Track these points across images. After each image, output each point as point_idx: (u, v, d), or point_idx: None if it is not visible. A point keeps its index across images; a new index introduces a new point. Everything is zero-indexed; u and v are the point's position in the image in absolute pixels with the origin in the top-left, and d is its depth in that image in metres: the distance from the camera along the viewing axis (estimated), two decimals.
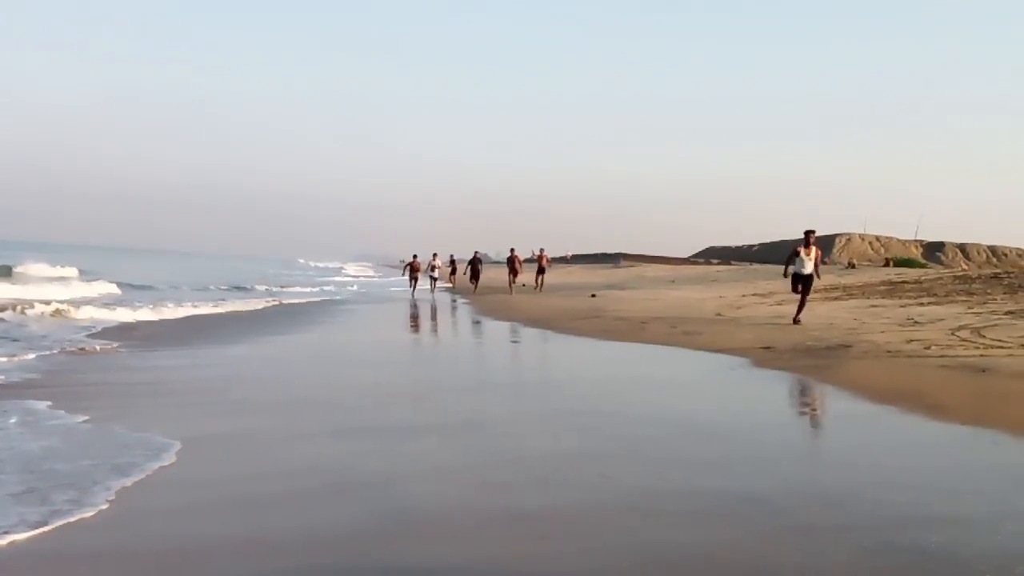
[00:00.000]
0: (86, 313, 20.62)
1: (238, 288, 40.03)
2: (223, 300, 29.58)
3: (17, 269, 42.59)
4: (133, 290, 33.84)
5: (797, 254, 19.06)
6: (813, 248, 18.97)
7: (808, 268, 18.91)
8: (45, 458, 6.62)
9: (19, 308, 20.03)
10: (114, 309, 22.05)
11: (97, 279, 35.45)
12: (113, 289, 32.46)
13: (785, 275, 20.00)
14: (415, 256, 38.87)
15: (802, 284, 18.99)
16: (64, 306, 21.06)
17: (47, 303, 21.28)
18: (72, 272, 45.64)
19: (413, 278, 38.27)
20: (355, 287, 49.58)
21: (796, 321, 18.20)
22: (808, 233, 18.98)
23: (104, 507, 5.50)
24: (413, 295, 36.27)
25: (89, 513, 5.36)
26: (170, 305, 24.64)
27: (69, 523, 5.18)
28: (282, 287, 43.32)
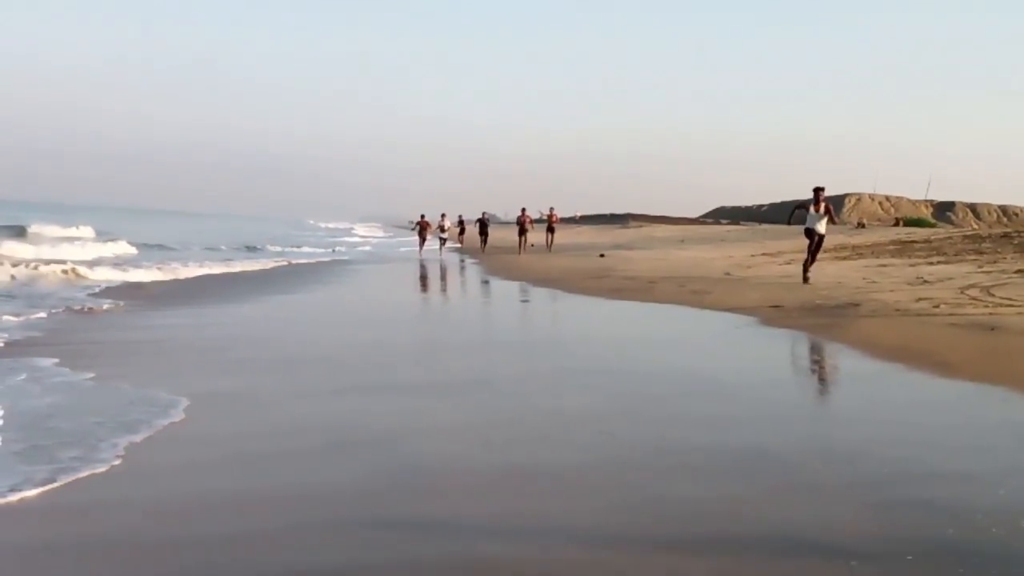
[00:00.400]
0: (101, 274, 20.65)
1: (249, 248, 40.24)
2: (234, 260, 29.78)
3: (32, 229, 42.60)
4: (149, 250, 33.99)
5: (804, 208, 18.73)
6: (823, 204, 18.47)
7: (821, 225, 18.42)
8: (51, 416, 6.64)
9: (32, 265, 20.08)
10: (126, 270, 22.10)
11: (115, 239, 35.46)
12: (130, 250, 32.55)
13: (789, 223, 21.08)
14: (423, 216, 38.76)
15: (814, 239, 18.45)
16: (79, 266, 21.09)
17: (62, 263, 21.33)
18: (88, 232, 45.68)
19: (422, 238, 38.13)
20: (368, 247, 49.65)
21: (806, 280, 17.71)
22: (817, 190, 18.54)
23: (116, 463, 5.51)
24: (421, 255, 36.15)
25: (100, 469, 5.38)
26: (178, 265, 24.74)
27: (79, 479, 5.20)
28: (294, 247, 43.51)
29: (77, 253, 27.68)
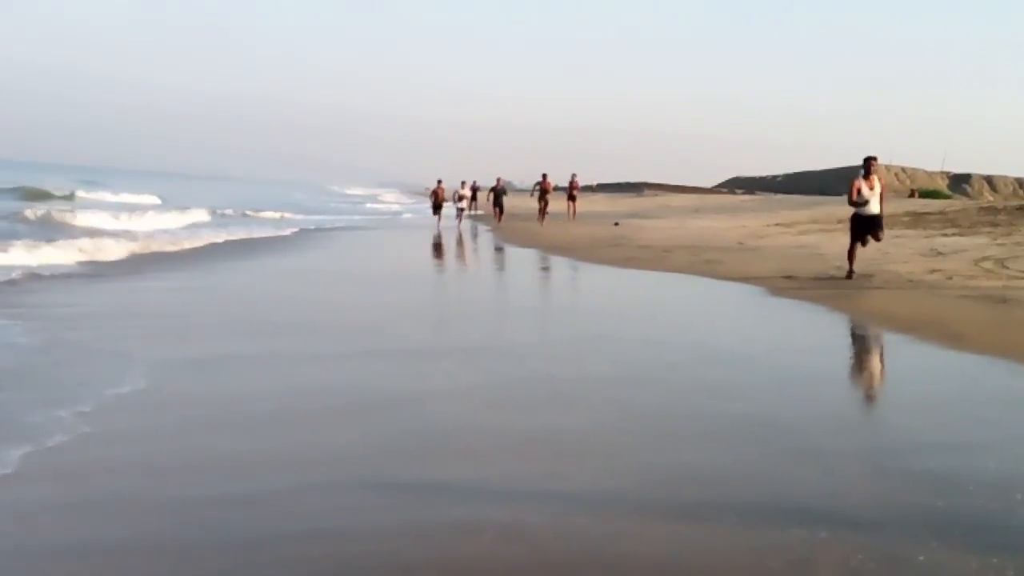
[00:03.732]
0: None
1: (284, 215, 39.61)
2: (283, 222, 32.45)
3: (80, 194, 42.34)
4: (224, 217, 34.10)
5: (857, 189, 14.03)
6: (876, 179, 14.14)
7: (875, 207, 14.04)
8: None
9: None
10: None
11: (192, 207, 34.63)
12: (204, 217, 32.58)
13: (851, 203, 14.35)
14: (439, 182, 35.00)
15: (871, 228, 14.04)
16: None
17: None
18: (153, 199, 45.17)
19: (437, 207, 34.50)
20: (408, 214, 49.09)
21: (850, 275, 13.88)
22: (870, 161, 14.12)
23: (85, 430, 5.48)
24: (438, 226, 32.49)
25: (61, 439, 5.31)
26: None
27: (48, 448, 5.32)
28: (340, 215, 43.71)
29: (160, 222, 27.74)
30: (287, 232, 28.27)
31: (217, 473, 4.94)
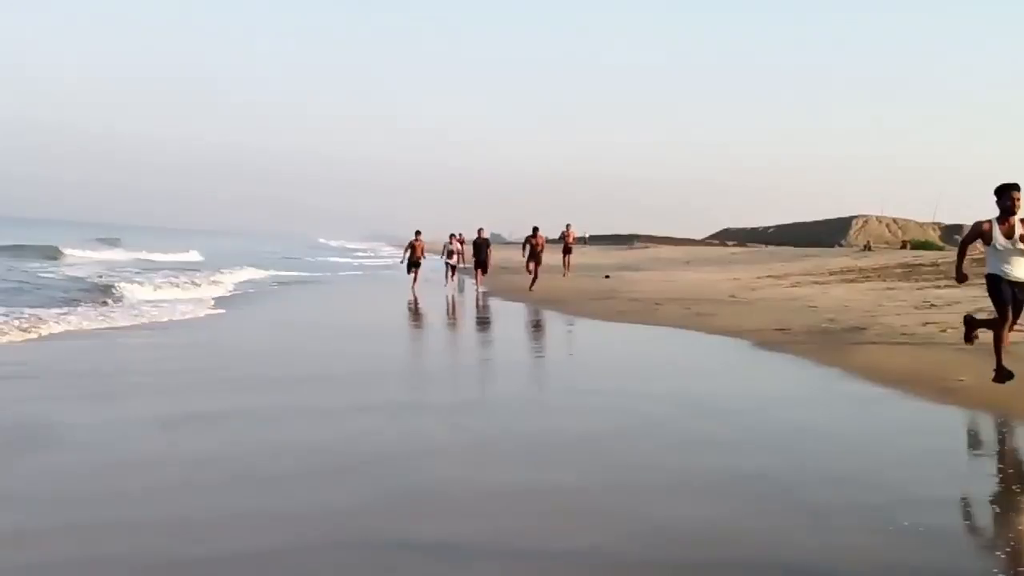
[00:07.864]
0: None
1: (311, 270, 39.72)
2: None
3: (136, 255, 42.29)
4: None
5: (981, 233, 8.99)
6: (1018, 222, 8.77)
7: (1020, 265, 8.85)
8: None
9: None
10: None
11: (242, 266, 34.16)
12: (259, 274, 32.44)
13: (960, 277, 9.68)
14: (418, 233, 29.04)
15: (1014, 299, 8.98)
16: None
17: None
18: (195, 255, 45.22)
19: (414, 264, 28.02)
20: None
21: (1005, 374, 8.70)
22: (1011, 190, 8.71)
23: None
24: (413, 289, 26.37)
25: None
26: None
27: None
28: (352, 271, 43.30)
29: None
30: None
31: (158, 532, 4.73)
